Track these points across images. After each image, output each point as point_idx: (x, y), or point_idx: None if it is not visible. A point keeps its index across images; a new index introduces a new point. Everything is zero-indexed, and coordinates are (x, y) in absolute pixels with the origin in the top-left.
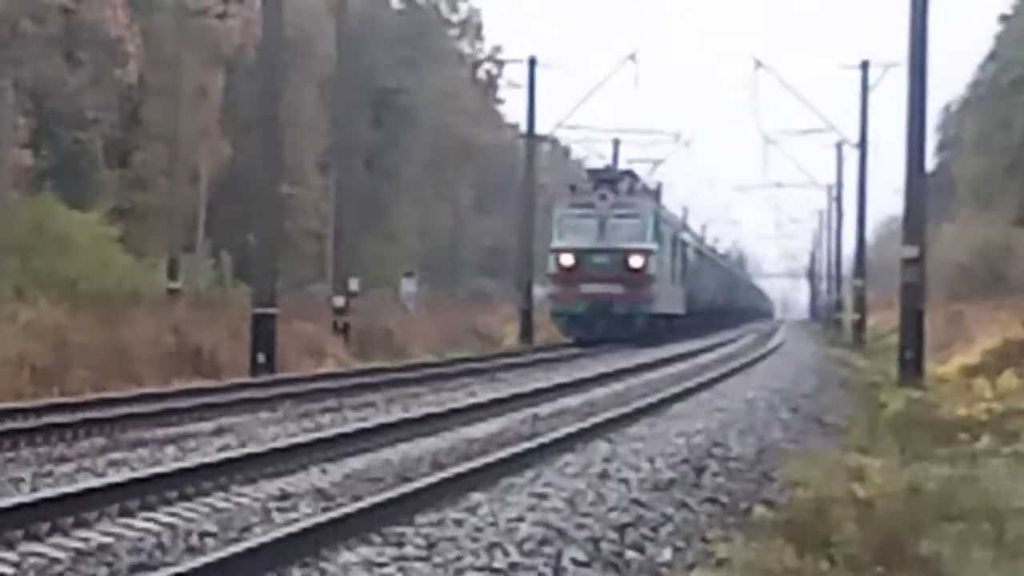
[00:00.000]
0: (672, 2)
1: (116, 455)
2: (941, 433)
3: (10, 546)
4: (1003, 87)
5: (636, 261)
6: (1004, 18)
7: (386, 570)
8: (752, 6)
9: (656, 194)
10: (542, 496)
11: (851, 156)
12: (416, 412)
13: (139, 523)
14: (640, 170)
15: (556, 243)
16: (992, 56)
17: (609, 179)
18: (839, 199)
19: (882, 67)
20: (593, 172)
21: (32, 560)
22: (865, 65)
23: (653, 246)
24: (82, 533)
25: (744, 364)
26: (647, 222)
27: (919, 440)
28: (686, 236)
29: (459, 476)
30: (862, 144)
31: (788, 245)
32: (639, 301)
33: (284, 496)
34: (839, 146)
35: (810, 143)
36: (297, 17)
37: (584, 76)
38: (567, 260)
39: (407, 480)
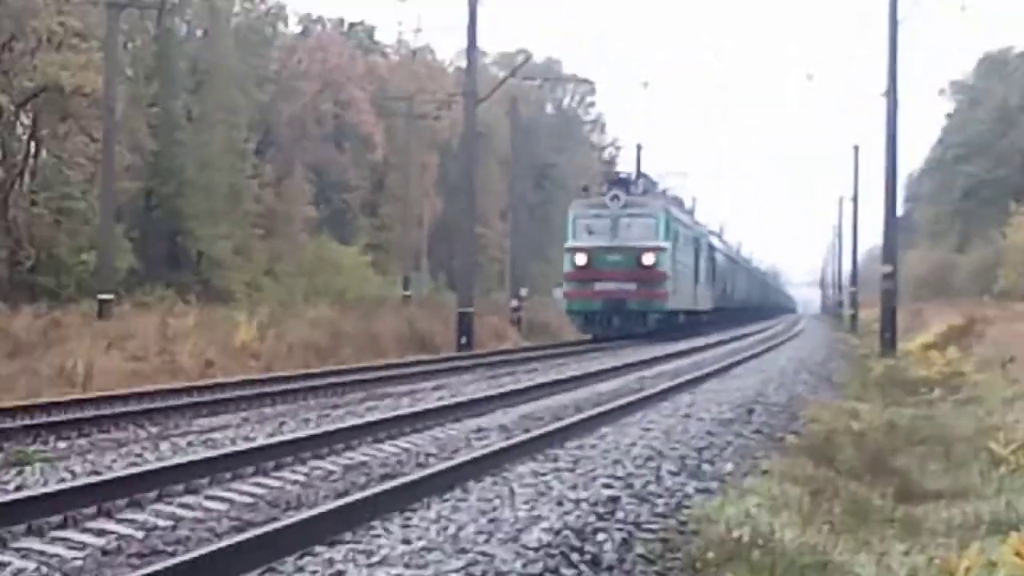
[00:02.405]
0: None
1: (371, 403)
2: (909, 387)
3: (303, 462)
4: (948, 161)
5: (648, 259)
6: (948, 115)
7: (546, 477)
8: None
9: (677, 200)
10: (647, 429)
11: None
12: (564, 374)
13: (386, 447)
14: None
15: (571, 243)
16: (940, 140)
17: (622, 181)
18: (840, 235)
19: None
20: (609, 176)
21: (316, 472)
22: (856, 148)
23: (665, 244)
24: (349, 454)
25: (777, 343)
26: (659, 221)
27: (894, 392)
28: (715, 241)
29: (593, 416)
30: (855, 200)
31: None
32: (652, 298)
33: (479, 430)
34: (840, 201)
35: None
36: (485, 116)
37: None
38: (581, 259)
39: (559, 419)
